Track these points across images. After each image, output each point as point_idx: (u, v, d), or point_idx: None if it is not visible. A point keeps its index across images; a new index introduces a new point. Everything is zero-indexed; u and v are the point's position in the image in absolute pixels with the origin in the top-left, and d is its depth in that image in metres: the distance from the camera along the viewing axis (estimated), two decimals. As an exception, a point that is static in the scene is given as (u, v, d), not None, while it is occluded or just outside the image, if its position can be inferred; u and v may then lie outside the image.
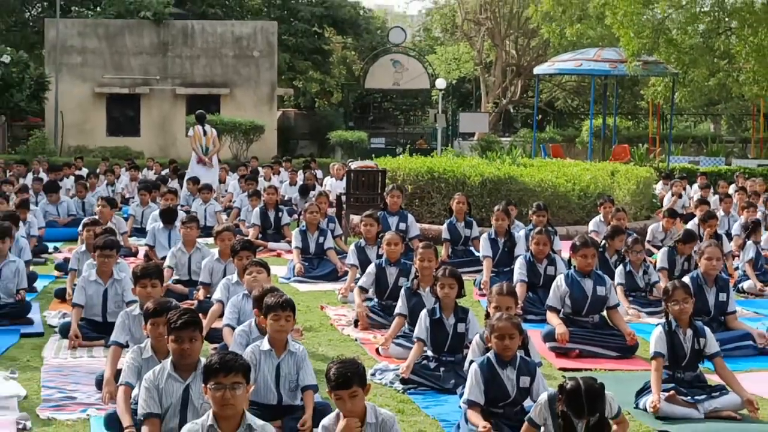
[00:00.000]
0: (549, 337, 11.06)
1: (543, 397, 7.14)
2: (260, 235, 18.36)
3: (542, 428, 6.96)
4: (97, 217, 16.00)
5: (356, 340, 11.43)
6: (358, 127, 45.56)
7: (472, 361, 8.30)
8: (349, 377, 6.59)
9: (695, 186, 25.32)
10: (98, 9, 46.82)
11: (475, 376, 7.92)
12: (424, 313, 9.79)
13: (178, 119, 39.81)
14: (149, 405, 6.93)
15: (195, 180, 22.93)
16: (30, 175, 26.75)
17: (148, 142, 39.21)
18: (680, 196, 23.17)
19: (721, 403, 8.68)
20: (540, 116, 45.82)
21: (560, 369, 10.31)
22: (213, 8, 46.10)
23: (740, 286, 14.81)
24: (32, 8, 46.98)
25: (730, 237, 16.86)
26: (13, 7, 48.08)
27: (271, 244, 18.16)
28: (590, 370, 10.27)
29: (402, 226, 15.96)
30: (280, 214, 19.26)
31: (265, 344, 7.13)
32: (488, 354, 8.07)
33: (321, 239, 15.54)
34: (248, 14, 46.37)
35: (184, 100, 41.11)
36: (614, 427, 7.01)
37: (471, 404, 7.83)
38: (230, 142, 37.71)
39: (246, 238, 14.53)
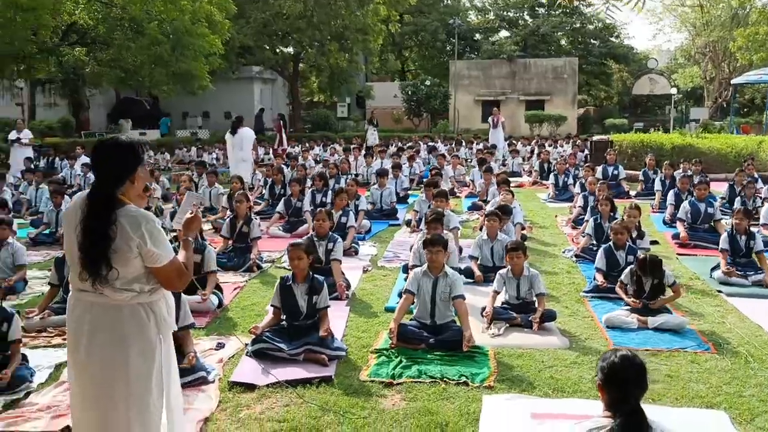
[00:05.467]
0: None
1: (630, 267, 6.98)
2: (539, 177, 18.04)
3: (628, 285, 6.83)
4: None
5: (566, 234, 11.14)
6: (629, 116, 43.59)
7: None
8: (519, 246, 6.75)
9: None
10: (477, 54, 47.14)
11: (601, 254, 7.80)
12: (593, 218, 9.60)
13: (519, 114, 39.50)
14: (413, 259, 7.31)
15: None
16: (439, 142, 27.11)
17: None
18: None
19: (761, 276, 8.05)
20: (746, 109, 41.97)
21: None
22: (541, 50, 45.21)
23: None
24: (445, 56, 47.78)
25: None
26: (433, 55, 49.17)
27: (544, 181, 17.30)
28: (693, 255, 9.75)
29: (616, 172, 15.40)
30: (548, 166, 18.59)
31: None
32: (610, 243, 7.91)
33: (566, 179, 15.15)
34: (562, 54, 45.09)
35: (524, 103, 40.70)
36: (670, 292, 6.74)
37: (598, 270, 7.74)
38: (547, 125, 37.30)
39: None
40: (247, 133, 15.60)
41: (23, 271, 7.93)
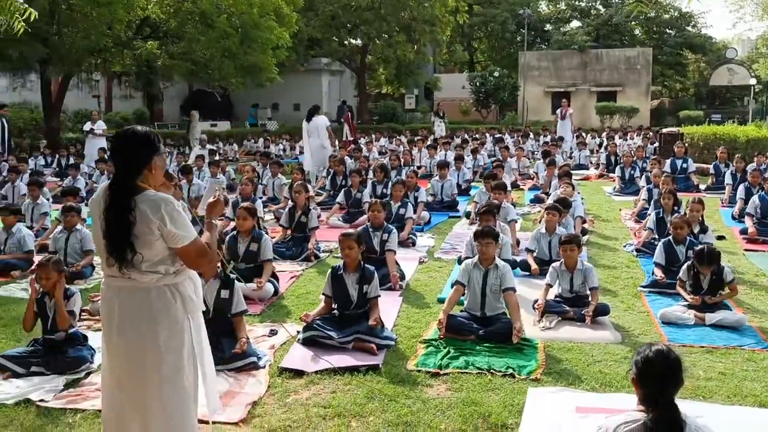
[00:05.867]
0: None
1: (687, 263, 6.84)
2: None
3: (687, 282, 6.69)
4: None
5: (629, 228, 10.80)
6: (707, 107, 42.35)
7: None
8: (573, 240, 6.70)
9: None
10: (547, 45, 46.48)
11: (660, 249, 7.66)
12: (655, 212, 9.41)
13: (590, 105, 38.79)
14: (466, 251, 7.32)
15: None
16: (506, 134, 26.81)
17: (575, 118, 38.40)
18: None
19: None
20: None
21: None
22: (614, 41, 44.27)
23: None
24: (514, 47, 47.05)
25: None
26: (502, 46, 48.55)
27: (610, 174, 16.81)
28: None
29: (685, 165, 15.02)
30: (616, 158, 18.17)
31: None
32: (669, 237, 7.75)
33: (633, 172, 14.79)
34: (636, 44, 44.07)
35: (595, 95, 39.93)
36: (727, 289, 6.57)
37: (657, 264, 7.60)
38: (618, 117, 36.58)
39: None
40: (321, 121, 16.05)
41: (90, 256, 8.23)
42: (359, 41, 36.14)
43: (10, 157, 15.77)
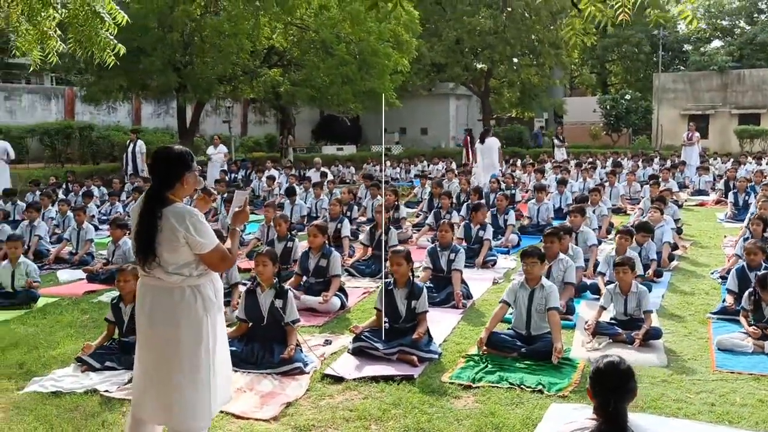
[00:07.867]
0: None
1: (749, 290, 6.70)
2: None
3: (749, 310, 6.56)
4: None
5: (726, 255, 10.54)
6: None
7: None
8: (625, 262, 6.73)
9: None
10: (683, 67, 44.78)
11: (733, 275, 7.49)
12: (743, 238, 9.11)
13: (730, 128, 37.00)
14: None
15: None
16: (626, 159, 26.03)
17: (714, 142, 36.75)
18: None
19: None
20: None
21: None
22: (759, 60, 42.10)
23: None
24: (650, 69, 45.64)
25: None
26: (637, 68, 47.21)
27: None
28: None
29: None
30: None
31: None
32: (743, 264, 7.54)
33: (747, 197, 14.14)
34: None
35: (736, 117, 38.11)
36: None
37: (729, 291, 7.45)
38: (760, 141, 34.73)
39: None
40: (493, 143, 17.74)
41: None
42: (483, 65, 36.32)
43: (137, 179, 17.14)
